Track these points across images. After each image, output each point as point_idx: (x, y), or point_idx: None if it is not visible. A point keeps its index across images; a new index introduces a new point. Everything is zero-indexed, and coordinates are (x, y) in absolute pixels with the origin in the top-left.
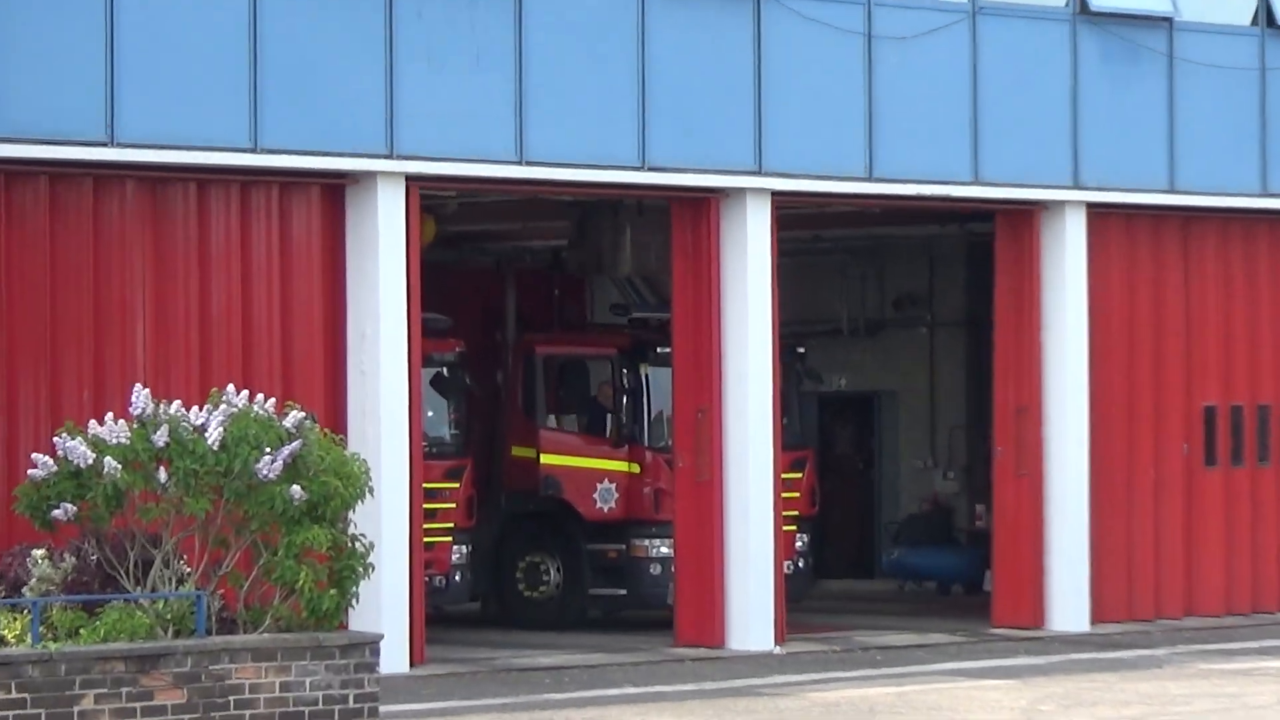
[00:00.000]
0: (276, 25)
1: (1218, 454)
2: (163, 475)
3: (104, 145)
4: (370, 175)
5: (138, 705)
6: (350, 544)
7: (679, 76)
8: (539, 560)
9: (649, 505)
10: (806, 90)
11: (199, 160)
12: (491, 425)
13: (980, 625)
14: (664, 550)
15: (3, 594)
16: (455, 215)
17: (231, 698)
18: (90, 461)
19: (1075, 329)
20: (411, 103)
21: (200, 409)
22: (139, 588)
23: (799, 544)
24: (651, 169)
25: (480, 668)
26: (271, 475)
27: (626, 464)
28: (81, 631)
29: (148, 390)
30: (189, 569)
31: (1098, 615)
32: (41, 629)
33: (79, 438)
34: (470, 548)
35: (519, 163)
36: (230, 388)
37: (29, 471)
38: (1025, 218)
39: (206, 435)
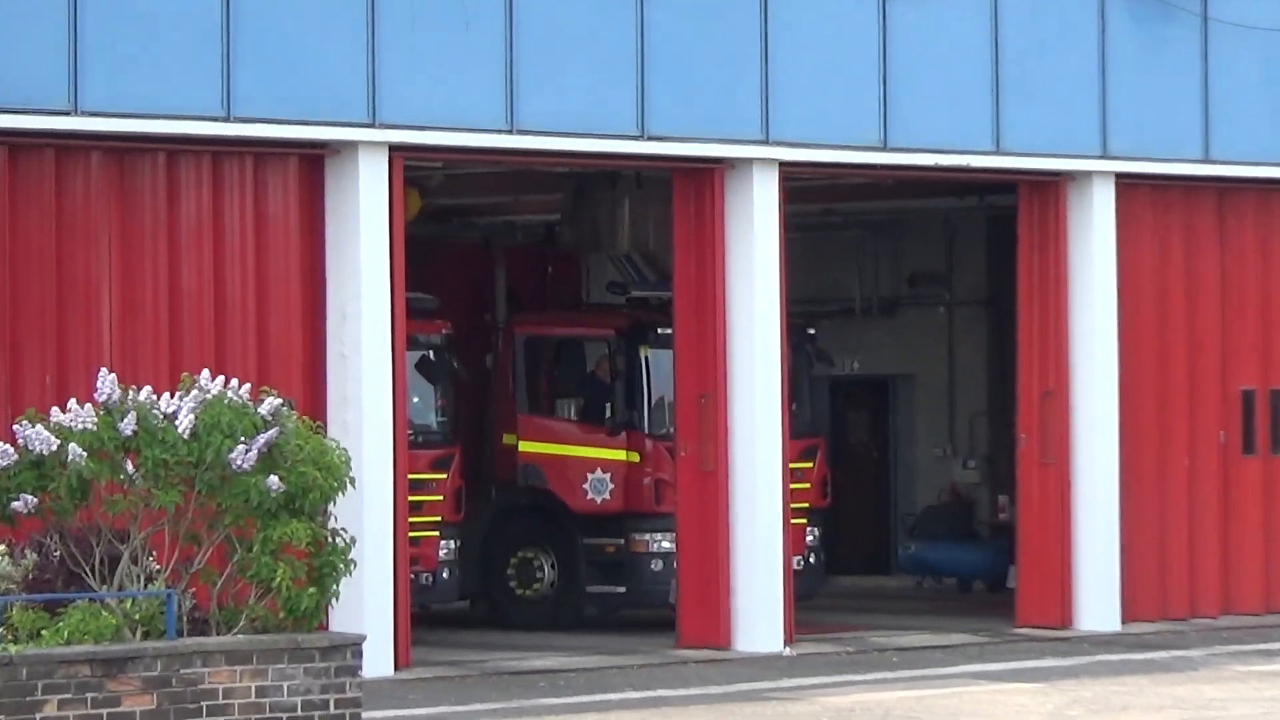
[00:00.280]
0: None
1: (1256, 441)
2: (130, 467)
3: (67, 114)
4: (351, 145)
5: (104, 711)
6: (330, 539)
7: (680, 38)
8: (532, 556)
9: (649, 497)
10: (817, 53)
11: (168, 130)
12: (481, 412)
13: (1003, 625)
14: (665, 545)
15: None
16: (441, 188)
17: (204, 703)
18: (53, 449)
19: (1103, 308)
20: (394, 67)
21: (170, 395)
22: (105, 586)
23: (809, 538)
24: (651, 138)
25: (470, 671)
26: (246, 465)
27: (625, 453)
28: (44, 633)
29: (114, 376)
30: (158, 566)
31: (1129, 614)
32: (1, 630)
33: (40, 425)
34: (459, 543)
35: (509, 131)
36: (203, 373)
37: None
38: (1050, 189)
39: (177, 423)
